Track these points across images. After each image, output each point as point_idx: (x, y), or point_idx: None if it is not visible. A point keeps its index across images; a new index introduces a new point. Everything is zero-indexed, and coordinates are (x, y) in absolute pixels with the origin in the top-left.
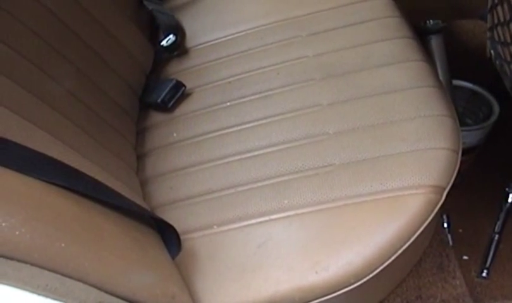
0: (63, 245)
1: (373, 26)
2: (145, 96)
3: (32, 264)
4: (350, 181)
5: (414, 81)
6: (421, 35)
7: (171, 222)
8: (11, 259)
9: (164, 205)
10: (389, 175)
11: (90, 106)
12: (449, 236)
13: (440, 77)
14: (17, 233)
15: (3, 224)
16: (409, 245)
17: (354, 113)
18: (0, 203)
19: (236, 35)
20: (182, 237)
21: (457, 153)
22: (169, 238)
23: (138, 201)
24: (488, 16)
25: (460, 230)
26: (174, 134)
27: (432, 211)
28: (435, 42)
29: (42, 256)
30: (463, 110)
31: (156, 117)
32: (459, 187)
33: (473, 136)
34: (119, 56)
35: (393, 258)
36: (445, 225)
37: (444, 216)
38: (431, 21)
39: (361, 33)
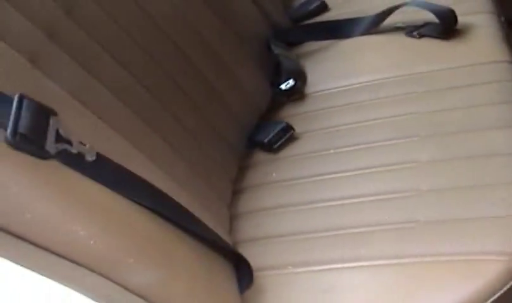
0: (132, 261)
1: (491, 88)
2: (254, 134)
3: (99, 274)
4: (432, 239)
5: None
6: None
7: (249, 258)
8: (81, 265)
9: (246, 241)
10: (472, 237)
11: (196, 136)
12: None
13: None
14: (92, 242)
15: (81, 232)
16: None
17: (450, 172)
18: (83, 212)
19: (354, 86)
20: (255, 273)
21: None
22: (243, 272)
23: (222, 233)
24: None
25: None
26: (273, 174)
27: (510, 279)
28: None
29: (110, 268)
30: None
31: (260, 156)
32: None
33: None
34: (236, 93)
35: None
36: None
37: None
38: None
39: (477, 94)
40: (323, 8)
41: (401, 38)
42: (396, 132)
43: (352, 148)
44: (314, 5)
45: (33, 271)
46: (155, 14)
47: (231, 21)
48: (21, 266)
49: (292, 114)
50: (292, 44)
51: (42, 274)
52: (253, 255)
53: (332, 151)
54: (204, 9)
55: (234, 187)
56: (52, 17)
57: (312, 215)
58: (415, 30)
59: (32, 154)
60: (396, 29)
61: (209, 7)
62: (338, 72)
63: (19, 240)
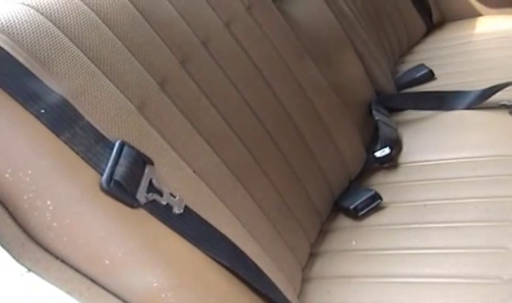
0: None
1: None
2: (341, 198)
3: None
4: None
5: None
6: None
7: None
8: None
9: None
10: None
11: (283, 196)
12: None
13: None
14: (163, 295)
15: (154, 284)
16: None
17: None
18: (161, 265)
19: (448, 161)
20: None
21: None
22: None
23: (291, 296)
24: None
25: None
26: (353, 242)
27: None
28: None
29: None
30: None
31: (343, 221)
32: None
33: None
34: (330, 156)
35: None
36: None
37: None
38: None
39: None
40: (430, 77)
41: (504, 117)
42: (487, 215)
43: (437, 225)
44: (420, 73)
45: None
46: (265, 70)
47: (339, 85)
48: None
49: (382, 182)
50: (393, 110)
51: None
52: None
53: (416, 225)
54: (314, 70)
55: (312, 249)
56: (166, 67)
57: (387, 290)
58: None
59: (123, 201)
60: (500, 106)
61: (320, 70)
62: (435, 145)
63: (93, 283)
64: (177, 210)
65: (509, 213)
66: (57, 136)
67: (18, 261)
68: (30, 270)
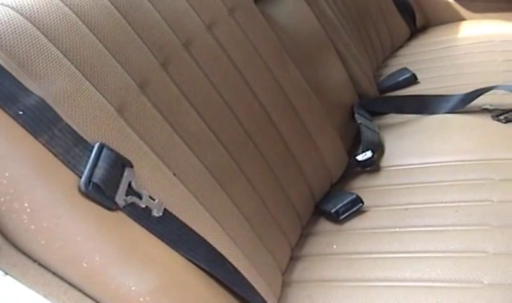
0: None
1: None
2: (322, 202)
3: None
4: None
5: None
6: None
7: None
8: None
9: None
10: None
11: (264, 199)
12: None
13: None
14: (141, 299)
15: (133, 288)
16: None
17: None
18: (140, 269)
19: (430, 165)
20: None
21: None
22: None
23: (271, 300)
24: None
25: None
26: (334, 246)
27: None
28: None
29: None
30: None
31: (324, 225)
32: None
33: None
34: (312, 159)
35: None
36: None
37: None
38: None
39: None
40: (413, 81)
41: (486, 121)
42: (467, 219)
43: (418, 229)
44: (403, 77)
45: None
46: (247, 73)
47: (320, 88)
48: None
49: (363, 186)
50: (376, 114)
51: None
52: None
53: (397, 229)
54: (296, 73)
55: (292, 253)
56: (147, 69)
57: (368, 294)
58: (502, 114)
59: (101, 204)
60: (482, 111)
61: (301, 72)
62: (417, 149)
63: (70, 287)
64: (156, 213)
65: (489, 217)
66: (35, 137)
67: None
68: (6, 273)
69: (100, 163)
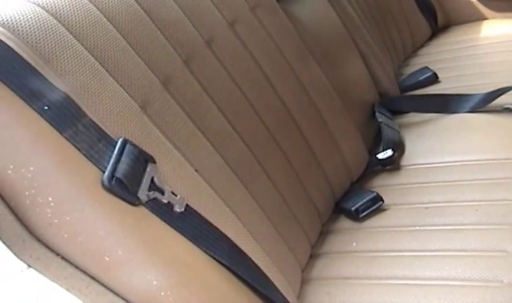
0: None
1: None
2: (342, 200)
3: None
4: None
5: None
6: None
7: None
8: None
9: None
10: None
11: (284, 197)
12: None
13: None
14: (162, 293)
15: (154, 282)
16: None
17: None
18: (161, 264)
19: (450, 164)
20: None
21: None
22: None
23: (291, 297)
24: None
25: None
26: (354, 244)
27: None
28: None
29: None
30: None
31: (344, 222)
32: None
33: None
34: (332, 157)
35: None
36: None
37: None
38: None
39: None
40: (434, 80)
41: (507, 121)
42: (487, 218)
43: (438, 228)
44: (424, 76)
45: None
46: (268, 70)
47: (342, 87)
48: None
49: (384, 184)
50: (397, 113)
51: None
52: None
53: (417, 227)
54: (317, 71)
55: (312, 250)
56: (170, 66)
57: (387, 292)
58: None
59: (124, 199)
60: (504, 110)
61: (323, 71)
62: (437, 148)
63: (92, 280)
64: (178, 209)
65: (509, 217)
66: (60, 133)
67: (18, 257)
68: (30, 266)
69: (123, 159)
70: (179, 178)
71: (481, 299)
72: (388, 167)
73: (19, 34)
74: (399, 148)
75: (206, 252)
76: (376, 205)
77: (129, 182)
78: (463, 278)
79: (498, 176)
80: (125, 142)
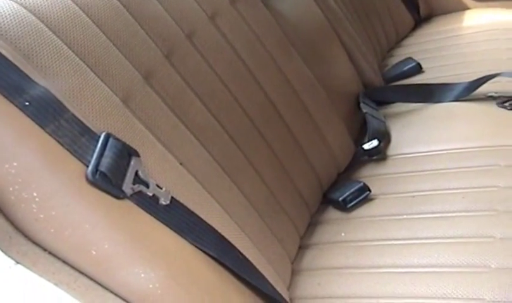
0: None
1: None
2: (329, 191)
3: None
4: None
5: None
6: None
7: None
8: None
9: (305, 298)
10: None
11: (271, 188)
12: None
13: None
14: (150, 286)
15: (142, 275)
16: None
17: None
18: (148, 256)
19: (436, 153)
20: None
21: None
22: None
23: (281, 289)
24: None
25: None
26: (342, 234)
27: None
28: None
29: None
30: None
31: (332, 213)
32: None
33: None
34: (319, 149)
35: None
36: None
37: None
38: None
39: None
40: (418, 70)
41: (491, 108)
42: (474, 205)
43: (425, 216)
44: (408, 66)
45: None
46: (251, 63)
47: (325, 78)
48: (76, 299)
49: (370, 174)
50: (381, 103)
51: None
52: None
53: (405, 216)
54: (300, 64)
55: (301, 241)
56: (151, 60)
57: (377, 281)
58: (507, 101)
59: (108, 193)
60: (487, 98)
61: (306, 63)
62: (423, 137)
63: (81, 275)
64: (163, 201)
65: (496, 203)
66: (42, 128)
67: (5, 253)
68: (17, 263)
69: (106, 153)
70: (163, 171)
71: (470, 284)
72: (374, 157)
73: None
74: (384, 138)
75: (193, 244)
76: (363, 195)
77: (113, 175)
78: (451, 264)
79: (483, 163)
80: (108, 136)
